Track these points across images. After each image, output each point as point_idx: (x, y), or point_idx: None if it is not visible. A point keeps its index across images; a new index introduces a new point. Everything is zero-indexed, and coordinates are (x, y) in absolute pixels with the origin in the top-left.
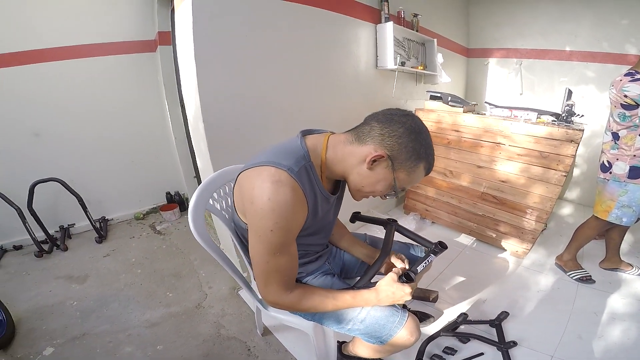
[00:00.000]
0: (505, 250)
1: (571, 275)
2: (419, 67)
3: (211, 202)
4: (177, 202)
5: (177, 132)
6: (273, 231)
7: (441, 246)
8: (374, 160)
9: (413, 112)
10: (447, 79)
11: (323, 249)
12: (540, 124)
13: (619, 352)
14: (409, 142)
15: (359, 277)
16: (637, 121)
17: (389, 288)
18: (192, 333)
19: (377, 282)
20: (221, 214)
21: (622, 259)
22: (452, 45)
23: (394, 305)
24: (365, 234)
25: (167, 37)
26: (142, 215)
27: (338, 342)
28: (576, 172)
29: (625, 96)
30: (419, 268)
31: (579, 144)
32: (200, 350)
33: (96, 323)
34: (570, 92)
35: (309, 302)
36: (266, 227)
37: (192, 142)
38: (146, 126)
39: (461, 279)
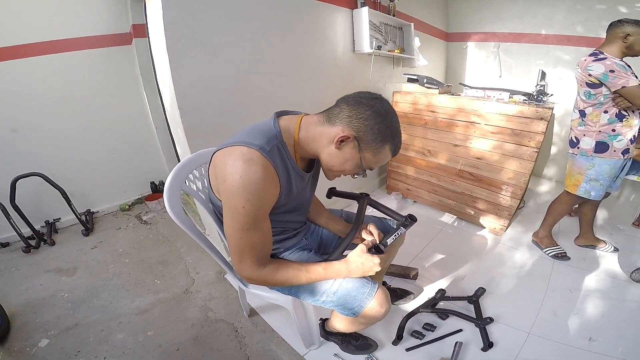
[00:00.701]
0: (484, 227)
1: (547, 252)
2: (396, 51)
3: (187, 184)
4: (162, 191)
5: (157, 122)
6: (245, 207)
7: (411, 219)
8: (342, 141)
9: (382, 95)
10: (424, 62)
11: (301, 225)
12: (511, 103)
13: (592, 329)
14: (374, 124)
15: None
16: (602, 99)
17: (359, 259)
18: (181, 318)
19: (346, 255)
20: (198, 195)
21: (596, 235)
22: (431, 29)
23: (364, 277)
24: (342, 209)
25: (142, 30)
26: (127, 207)
27: (321, 319)
28: (553, 149)
29: (590, 75)
30: (389, 240)
31: (548, 121)
32: (189, 333)
33: (88, 313)
34: (543, 74)
35: (282, 276)
36: (238, 204)
37: (171, 129)
38: (126, 117)
39: (441, 256)
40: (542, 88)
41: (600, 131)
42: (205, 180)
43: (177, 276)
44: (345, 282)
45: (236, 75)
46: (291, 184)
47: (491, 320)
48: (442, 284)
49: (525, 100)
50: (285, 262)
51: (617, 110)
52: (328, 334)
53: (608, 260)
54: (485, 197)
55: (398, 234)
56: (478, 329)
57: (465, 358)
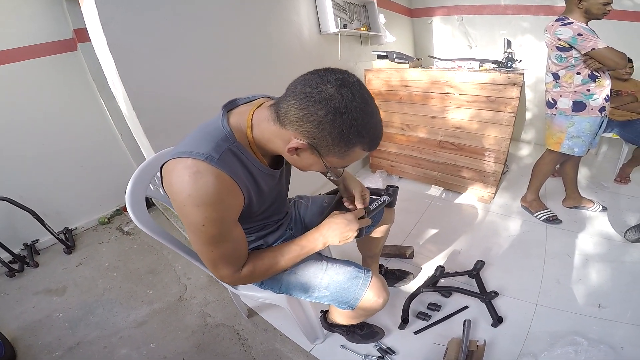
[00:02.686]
0: (472, 196)
1: (538, 216)
2: (362, 29)
3: (152, 188)
4: None
5: (120, 128)
6: (205, 225)
7: (392, 188)
8: (296, 148)
9: (349, 72)
10: (391, 39)
11: (283, 216)
12: (483, 72)
13: (599, 295)
14: (332, 128)
15: None
16: (573, 61)
17: (329, 220)
18: (180, 326)
19: None
20: (166, 199)
21: (583, 195)
22: (394, 6)
23: (356, 267)
24: (325, 194)
25: (85, 34)
26: (106, 219)
27: (321, 311)
28: (528, 115)
29: (559, 39)
30: (371, 206)
31: (521, 86)
32: (191, 341)
33: (86, 331)
34: (509, 42)
35: (262, 268)
36: (197, 223)
37: (132, 132)
38: (87, 127)
39: (434, 231)
40: (510, 55)
41: (575, 91)
42: None
43: (168, 284)
44: (335, 275)
45: (194, 68)
46: (260, 187)
47: (496, 294)
48: (440, 260)
49: (496, 67)
50: (259, 254)
51: (589, 72)
52: (331, 325)
53: (599, 220)
54: (469, 164)
55: (381, 201)
56: (484, 304)
57: (477, 335)
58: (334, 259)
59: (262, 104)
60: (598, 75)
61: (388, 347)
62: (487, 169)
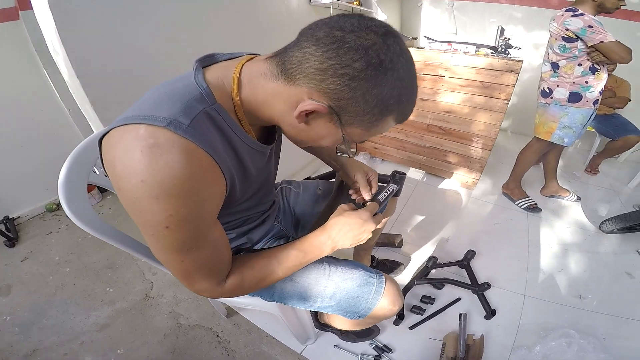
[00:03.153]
0: (456, 182)
1: (519, 204)
2: (355, 3)
3: (98, 172)
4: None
5: (68, 103)
6: (170, 227)
7: (399, 174)
8: (308, 114)
9: (389, 26)
10: (383, 16)
11: (270, 206)
12: (480, 56)
13: (579, 286)
14: (370, 87)
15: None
16: (577, 52)
17: (341, 219)
18: (150, 329)
19: None
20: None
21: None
22: None
23: (367, 272)
24: (317, 180)
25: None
26: (55, 206)
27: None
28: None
29: (567, 29)
30: (380, 197)
31: (518, 73)
32: (164, 346)
33: (41, 336)
34: (502, 30)
35: (252, 280)
36: (156, 223)
37: (79, 106)
38: (30, 103)
39: (420, 217)
40: (507, 42)
41: (574, 82)
42: None
43: (131, 281)
44: (342, 281)
45: (158, 32)
46: (246, 168)
47: (489, 286)
48: (429, 248)
49: (493, 53)
50: (248, 261)
51: (590, 64)
52: (323, 325)
53: (574, 210)
54: (456, 150)
55: (389, 190)
56: (476, 296)
57: (471, 328)
58: (337, 259)
59: (253, 58)
60: (598, 68)
61: (384, 345)
62: (473, 154)
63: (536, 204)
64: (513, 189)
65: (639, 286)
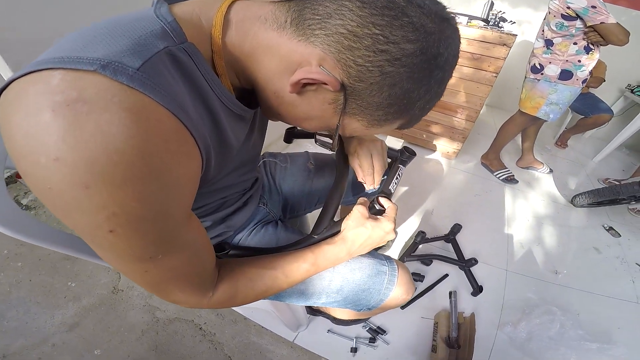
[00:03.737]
0: (436, 151)
1: (497, 176)
2: None
3: None
4: None
5: None
6: (116, 232)
7: (408, 152)
8: (306, 84)
9: (450, 14)
10: None
11: (252, 185)
12: (473, 27)
13: (554, 261)
14: (407, 79)
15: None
16: (574, 31)
17: (362, 231)
18: (125, 325)
19: (340, 220)
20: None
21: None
22: None
23: (378, 259)
24: (307, 152)
25: None
26: None
27: None
28: None
29: (569, 8)
30: (392, 187)
31: (511, 47)
32: (144, 343)
33: (6, 340)
34: (492, 3)
35: (250, 294)
36: (92, 227)
37: None
38: None
39: (403, 189)
40: (502, 15)
41: (567, 60)
42: None
43: (94, 273)
44: (350, 273)
45: None
46: (225, 135)
47: (476, 261)
48: (414, 221)
49: (485, 26)
50: (244, 269)
51: (585, 44)
52: (315, 311)
53: (547, 182)
54: (440, 120)
55: (399, 175)
56: (463, 272)
57: (459, 305)
58: None
59: None
60: (592, 48)
61: (378, 327)
62: (457, 125)
63: (513, 175)
64: (492, 160)
65: (605, 262)
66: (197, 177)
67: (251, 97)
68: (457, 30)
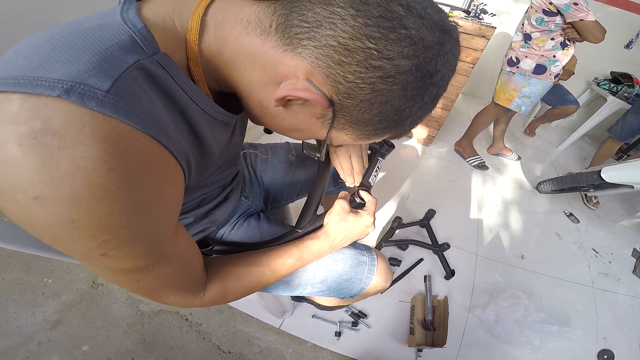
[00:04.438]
0: (412, 137)
1: (469, 162)
2: None
3: None
4: None
5: None
6: (107, 255)
7: (387, 145)
8: (290, 100)
9: (451, 24)
10: None
11: (232, 179)
12: (454, 17)
13: (520, 246)
14: (399, 97)
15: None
16: (552, 27)
17: (344, 226)
18: (109, 320)
19: (323, 214)
20: None
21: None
22: None
23: (358, 250)
24: (288, 142)
25: None
26: None
27: None
28: None
29: (550, 3)
30: (371, 180)
31: (489, 39)
32: (131, 337)
33: None
34: None
35: (239, 291)
36: (85, 254)
37: None
38: None
39: (380, 174)
40: (484, 7)
41: (542, 55)
42: None
43: (70, 268)
44: (333, 264)
45: None
46: (204, 144)
47: (448, 246)
48: (391, 206)
49: (466, 17)
50: (232, 269)
51: (562, 39)
52: (299, 298)
53: (515, 168)
54: None
55: (378, 167)
56: (437, 256)
57: (434, 289)
58: None
59: None
60: (568, 44)
61: (359, 311)
62: (433, 114)
63: (484, 161)
64: (465, 147)
65: (566, 247)
66: (182, 194)
67: (233, 101)
68: (457, 43)
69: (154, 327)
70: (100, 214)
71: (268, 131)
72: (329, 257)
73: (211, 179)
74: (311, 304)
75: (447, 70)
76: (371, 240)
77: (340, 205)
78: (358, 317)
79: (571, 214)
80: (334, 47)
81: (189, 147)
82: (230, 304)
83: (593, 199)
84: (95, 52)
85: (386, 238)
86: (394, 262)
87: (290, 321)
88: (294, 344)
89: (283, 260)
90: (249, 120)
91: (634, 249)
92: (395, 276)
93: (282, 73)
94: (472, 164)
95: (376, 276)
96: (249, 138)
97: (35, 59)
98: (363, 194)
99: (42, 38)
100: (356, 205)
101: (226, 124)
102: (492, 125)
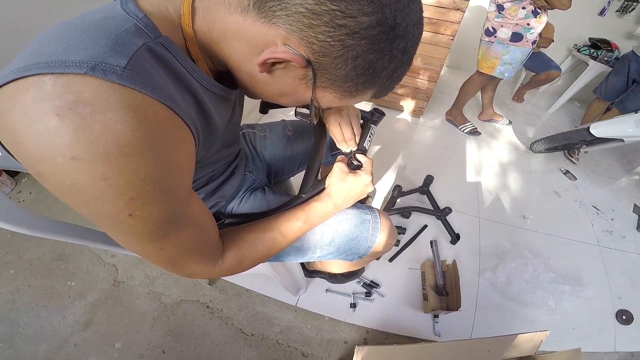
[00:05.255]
0: (404, 111)
1: (462, 129)
2: None
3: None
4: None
5: None
6: (134, 215)
7: (378, 113)
8: (275, 63)
9: None
10: None
11: (235, 156)
12: None
13: (521, 207)
14: (368, 51)
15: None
16: None
17: (344, 185)
18: (135, 315)
19: (324, 178)
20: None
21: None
22: None
23: (361, 210)
24: (284, 120)
25: None
26: None
27: None
28: None
29: None
30: (366, 145)
31: (464, 11)
32: (159, 330)
33: (30, 346)
34: None
35: (254, 257)
36: (114, 213)
37: None
38: None
39: (376, 147)
40: None
41: (517, 24)
42: None
43: (90, 269)
44: (338, 224)
45: None
46: (210, 117)
47: (450, 210)
48: (390, 177)
49: None
50: (245, 235)
51: (533, 8)
52: (312, 272)
53: (507, 132)
54: (404, 82)
55: (372, 133)
56: (440, 221)
57: (441, 254)
58: None
59: None
60: (539, 12)
61: (371, 281)
62: (420, 86)
63: (476, 128)
64: (456, 116)
65: (566, 205)
66: (194, 156)
67: (230, 78)
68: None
69: (179, 318)
70: (128, 170)
71: (264, 111)
72: (334, 219)
73: (216, 156)
74: (323, 277)
75: (410, 24)
76: None
77: (339, 168)
78: (370, 287)
79: (567, 171)
80: (303, 13)
81: (196, 117)
82: (248, 287)
83: (576, 152)
84: (109, 37)
85: (388, 207)
86: (399, 230)
87: (305, 298)
88: (312, 320)
89: (292, 223)
90: (244, 104)
91: (635, 205)
92: (401, 244)
93: (262, 43)
94: (465, 131)
95: (381, 233)
96: (246, 121)
97: (59, 47)
98: (359, 156)
99: (59, 31)
100: (354, 167)
101: (226, 99)
102: (480, 94)
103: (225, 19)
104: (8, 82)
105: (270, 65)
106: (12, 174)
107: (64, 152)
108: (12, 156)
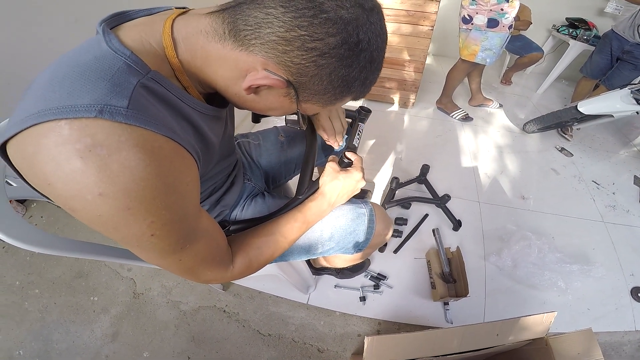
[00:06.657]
0: (394, 103)
1: (454, 116)
2: None
3: (15, 184)
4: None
5: None
6: (156, 235)
7: (364, 111)
8: (260, 86)
9: None
10: None
11: (233, 167)
12: None
13: (520, 187)
14: (339, 67)
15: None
16: None
17: (337, 183)
18: (158, 325)
19: (318, 179)
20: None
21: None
22: None
23: (354, 205)
24: (275, 126)
25: None
26: None
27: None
28: None
29: None
30: (355, 142)
31: (439, 1)
32: (182, 337)
33: None
34: None
35: (261, 260)
36: (138, 235)
37: None
38: None
39: (370, 142)
40: None
41: (491, 10)
42: None
43: (109, 284)
44: (335, 220)
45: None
46: (206, 139)
47: (449, 197)
48: (387, 170)
49: None
50: (250, 241)
51: None
52: (319, 269)
53: (499, 116)
54: (391, 75)
55: (360, 131)
56: (440, 209)
57: (445, 242)
58: None
59: (186, 12)
60: None
61: (378, 274)
62: (407, 78)
63: (467, 114)
64: (446, 104)
65: (565, 182)
66: (198, 178)
67: (220, 98)
68: (372, 11)
69: (198, 324)
70: (146, 199)
71: (256, 120)
72: (331, 215)
73: (216, 169)
74: (330, 274)
75: (372, 36)
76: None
77: (330, 167)
78: (378, 279)
79: (563, 148)
80: (276, 41)
81: (194, 141)
82: (260, 289)
83: (569, 129)
84: (105, 79)
85: (388, 200)
86: (400, 221)
87: (315, 295)
88: (324, 316)
89: (291, 225)
90: (235, 114)
91: (635, 177)
92: (404, 235)
93: (244, 68)
94: (457, 118)
95: (377, 224)
96: (239, 130)
97: (63, 92)
98: (349, 154)
99: (58, 75)
100: (345, 165)
101: (218, 118)
102: (467, 81)
103: (206, 47)
104: (28, 128)
105: (255, 88)
106: (22, 200)
107: (92, 190)
108: (43, 195)
